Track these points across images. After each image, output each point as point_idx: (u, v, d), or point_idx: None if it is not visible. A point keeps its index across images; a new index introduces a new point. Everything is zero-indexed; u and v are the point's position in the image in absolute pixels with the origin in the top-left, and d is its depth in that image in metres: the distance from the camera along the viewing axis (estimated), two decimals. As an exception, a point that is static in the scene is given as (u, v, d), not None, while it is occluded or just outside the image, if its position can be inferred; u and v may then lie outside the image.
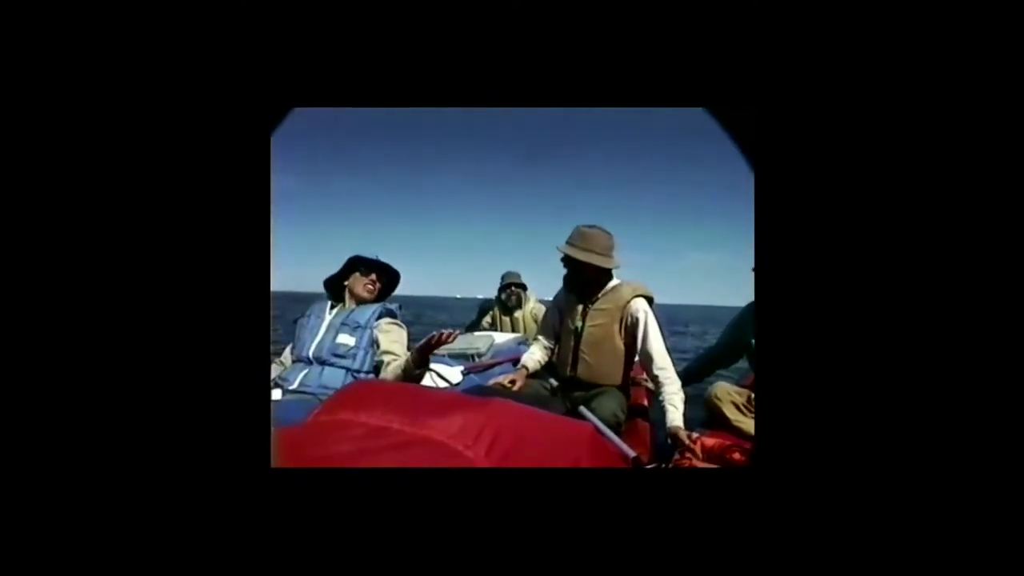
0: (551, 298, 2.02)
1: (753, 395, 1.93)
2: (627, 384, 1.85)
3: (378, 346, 1.75)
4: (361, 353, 1.74)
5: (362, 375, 1.72)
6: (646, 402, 1.98)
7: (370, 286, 1.86)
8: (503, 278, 3.56)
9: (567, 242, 1.77)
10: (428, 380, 1.96)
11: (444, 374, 2.01)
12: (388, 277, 1.91)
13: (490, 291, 3.72)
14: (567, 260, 1.77)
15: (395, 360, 1.72)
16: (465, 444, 0.84)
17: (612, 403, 1.65)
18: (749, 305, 2.18)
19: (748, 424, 1.85)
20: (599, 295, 1.79)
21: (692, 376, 2.28)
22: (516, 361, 2.07)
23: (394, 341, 1.77)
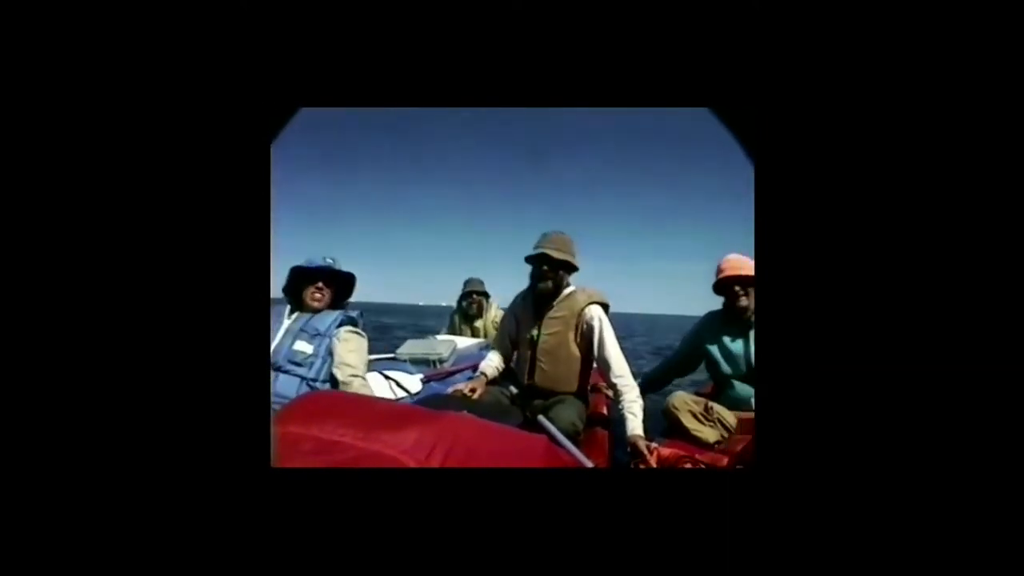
0: None
1: (711, 404, 1.95)
2: (585, 392, 1.86)
3: (336, 355, 1.70)
4: (319, 362, 1.68)
5: (318, 384, 1.67)
6: (605, 410, 1.98)
7: (317, 294, 1.79)
8: (465, 285, 3.51)
9: (540, 244, 1.78)
10: (387, 389, 1.92)
11: (403, 382, 1.97)
12: (337, 282, 1.84)
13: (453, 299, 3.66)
14: (542, 260, 1.77)
15: (356, 375, 1.68)
16: (417, 459, 0.82)
17: (570, 412, 1.65)
18: (708, 314, 2.22)
19: (706, 432, 1.86)
20: (555, 303, 1.79)
21: (651, 385, 2.30)
22: (477, 367, 2.05)
23: (351, 351, 1.72)
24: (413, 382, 2.03)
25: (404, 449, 0.83)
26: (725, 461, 1.41)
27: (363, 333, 1.81)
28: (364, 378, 1.74)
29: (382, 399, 1.64)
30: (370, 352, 1.84)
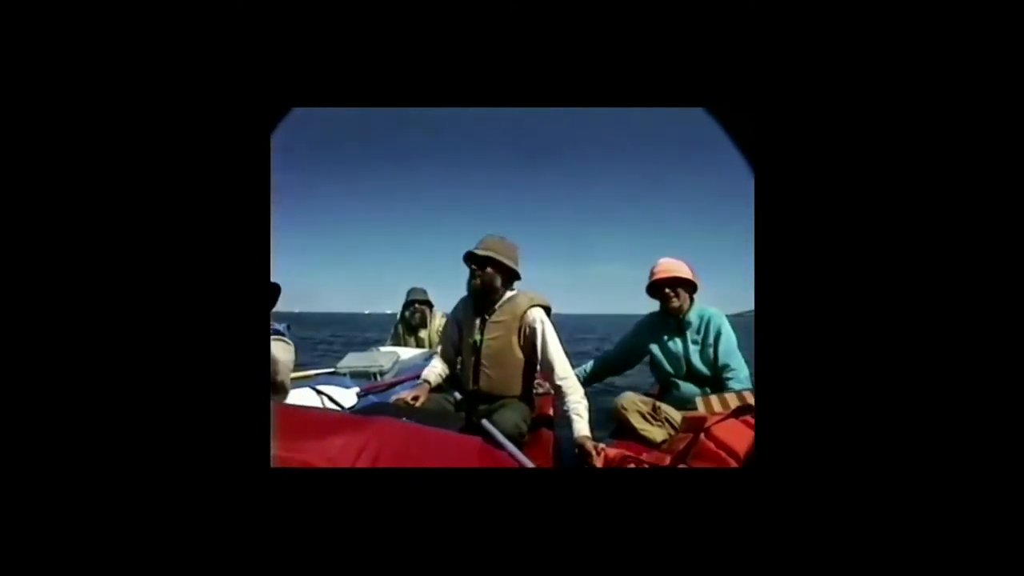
0: None
1: (658, 404, 1.98)
2: (530, 395, 1.83)
3: None
4: None
5: None
6: (551, 412, 1.96)
7: None
8: (408, 294, 3.46)
9: (478, 247, 1.75)
10: (318, 404, 1.79)
11: (337, 397, 1.84)
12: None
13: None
14: (477, 261, 1.73)
15: (284, 378, 1.57)
16: (343, 467, 0.80)
17: (515, 415, 1.62)
18: (646, 316, 2.28)
19: (653, 432, 1.89)
20: (496, 307, 1.77)
21: (588, 378, 2.34)
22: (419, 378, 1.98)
23: (278, 361, 1.60)
24: (348, 396, 1.90)
25: (329, 457, 0.81)
26: (668, 460, 1.40)
27: (289, 342, 1.72)
28: (289, 380, 1.64)
29: (312, 409, 1.56)
30: (309, 367, 1.73)
